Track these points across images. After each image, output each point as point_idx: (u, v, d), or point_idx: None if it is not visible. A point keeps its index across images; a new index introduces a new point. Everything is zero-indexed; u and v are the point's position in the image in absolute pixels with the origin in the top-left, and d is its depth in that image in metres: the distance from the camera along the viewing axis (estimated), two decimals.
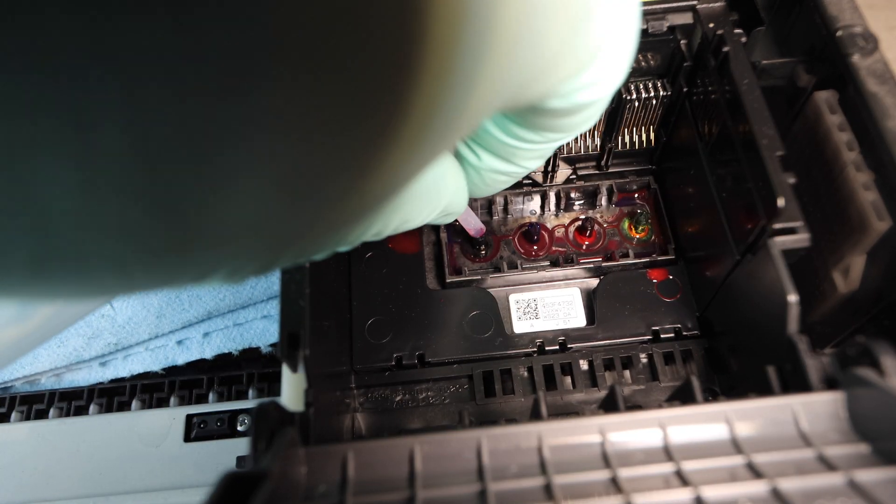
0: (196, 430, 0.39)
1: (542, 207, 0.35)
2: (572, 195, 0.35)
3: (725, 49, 0.26)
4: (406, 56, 0.10)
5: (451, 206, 0.24)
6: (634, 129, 0.34)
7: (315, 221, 0.13)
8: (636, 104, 0.32)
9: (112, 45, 0.08)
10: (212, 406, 0.40)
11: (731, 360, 0.29)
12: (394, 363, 0.31)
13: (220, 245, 0.12)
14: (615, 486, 0.17)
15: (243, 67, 0.09)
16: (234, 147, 0.10)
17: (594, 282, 0.33)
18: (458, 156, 0.24)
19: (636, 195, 0.35)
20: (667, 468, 0.18)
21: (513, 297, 0.33)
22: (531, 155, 0.22)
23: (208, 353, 0.43)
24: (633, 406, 0.29)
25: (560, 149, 0.34)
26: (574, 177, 0.35)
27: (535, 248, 0.34)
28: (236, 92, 0.09)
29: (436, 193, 0.22)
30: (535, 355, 0.31)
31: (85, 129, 0.08)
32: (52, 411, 0.42)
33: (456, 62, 0.12)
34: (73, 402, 0.42)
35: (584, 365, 0.31)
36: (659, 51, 0.30)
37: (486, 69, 0.13)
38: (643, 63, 0.31)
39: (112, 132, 0.09)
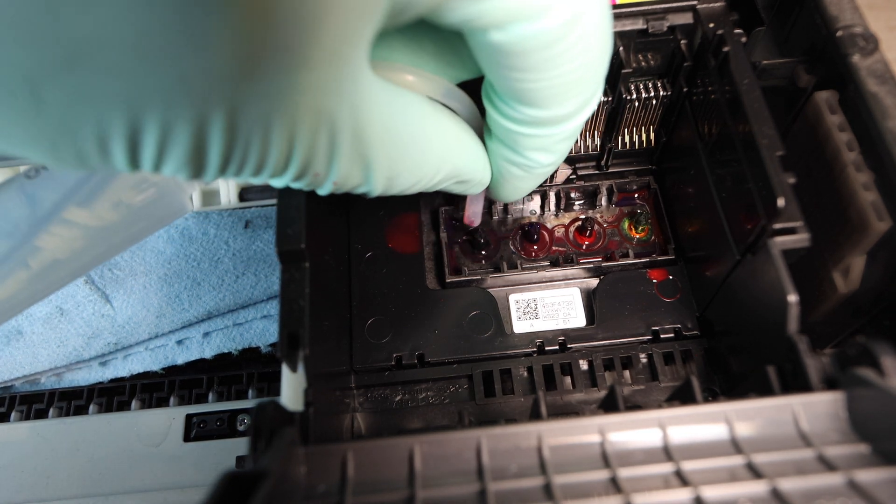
0: (196, 430, 0.39)
1: (542, 207, 0.35)
2: (572, 195, 0.35)
3: (725, 49, 0.26)
4: None
5: (463, 172, 0.23)
6: (634, 129, 0.34)
7: (194, 50, 0.13)
8: (636, 104, 0.32)
9: None
10: (212, 406, 0.40)
11: (731, 360, 0.29)
12: (393, 363, 0.31)
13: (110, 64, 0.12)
14: (615, 486, 0.17)
15: None
16: None
17: (594, 282, 0.33)
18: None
19: (636, 195, 0.35)
20: (667, 468, 0.18)
21: (513, 297, 0.33)
22: (532, 144, 0.22)
23: (208, 353, 0.43)
24: (633, 406, 0.29)
25: None
26: (574, 177, 0.35)
27: (535, 248, 0.34)
28: None
29: (432, 147, 0.21)
30: (534, 355, 0.31)
31: None
32: (51, 411, 0.42)
33: None
34: (73, 401, 0.42)
35: (583, 365, 0.31)
36: (659, 51, 0.30)
37: None
38: (643, 63, 0.31)
39: None
